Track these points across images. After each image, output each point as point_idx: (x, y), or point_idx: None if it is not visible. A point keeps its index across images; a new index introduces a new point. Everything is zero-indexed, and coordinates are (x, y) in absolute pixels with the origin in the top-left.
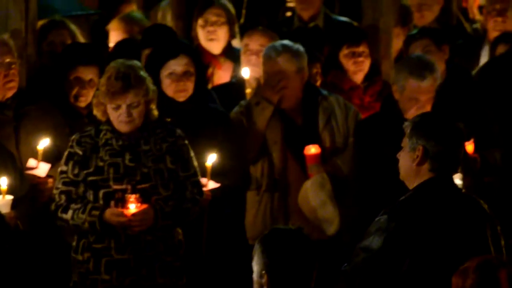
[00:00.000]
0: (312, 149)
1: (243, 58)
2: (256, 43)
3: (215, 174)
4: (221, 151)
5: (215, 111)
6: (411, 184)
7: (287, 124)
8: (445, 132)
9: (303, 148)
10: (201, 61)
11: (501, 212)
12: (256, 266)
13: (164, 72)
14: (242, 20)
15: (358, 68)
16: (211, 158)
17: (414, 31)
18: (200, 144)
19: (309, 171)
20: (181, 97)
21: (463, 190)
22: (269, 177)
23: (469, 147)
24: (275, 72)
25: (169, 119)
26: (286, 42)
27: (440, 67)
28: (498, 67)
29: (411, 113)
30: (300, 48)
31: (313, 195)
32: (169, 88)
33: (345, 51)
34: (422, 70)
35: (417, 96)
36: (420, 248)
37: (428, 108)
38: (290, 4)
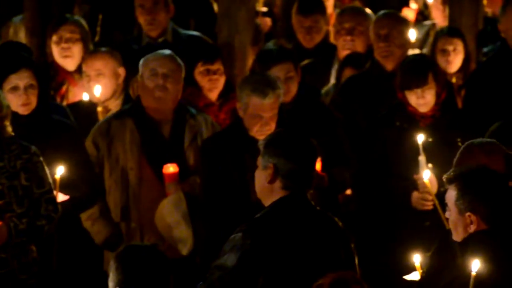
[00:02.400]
0: (171, 168)
1: (84, 82)
2: (91, 68)
3: (64, 186)
4: (69, 163)
5: (59, 122)
6: (266, 202)
7: (153, 139)
8: (296, 150)
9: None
10: (43, 73)
11: (355, 228)
12: (111, 283)
13: (7, 87)
14: (97, 38)
15: (213, 86)
16: (59, 171)
17: (272, 51)
18: (46, 156)
19: (167, 189)
20: (25, 111)
21: (318, 208)
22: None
23: (317, 165)
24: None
25: (13, 133)
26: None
27: (294, 88)
28: (355, 87)
29: (255, 130)
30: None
31: (168, 214)
32: (12, 102)
33: (200, 68)
34: (264, 87)
35: (260, 113)
36: (275, 265)
37: (272, 125)
38: None
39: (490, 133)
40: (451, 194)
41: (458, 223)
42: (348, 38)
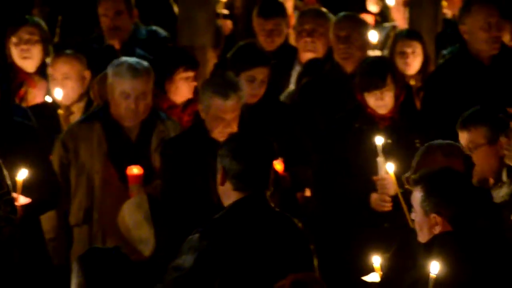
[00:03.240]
0: (134, 170)
1: (51, 85)
2: (58, 72)
3: (25, 188)
4: (30, 165)
5: (21, 125)
6: (226, 204)
7: (119, 142)
8: (243, 151)
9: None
10: (5, 76)
11: (314, 229)
12: (73, 286)
13: None
14: (56, 39)
15: (191, 90)
16: (22, 173)
17: (255, 52)
18: (7, 158)
19: (130, 191)
20: None
21: (277, 209)
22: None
23: (278, 166)
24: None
25: None
26: (135, 60)
27: (263, 92)
28: (314, 89)
29: (217, 132)
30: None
31: (129, 215)
32: None
33: (182, 74)
34: (226, 89)
35: (222, 115)
36: (232, 267)
37: (234, 126)
38: None
39: (468, 114)
40: (417, 196)
41: (423, 224)
42: (309, 39)
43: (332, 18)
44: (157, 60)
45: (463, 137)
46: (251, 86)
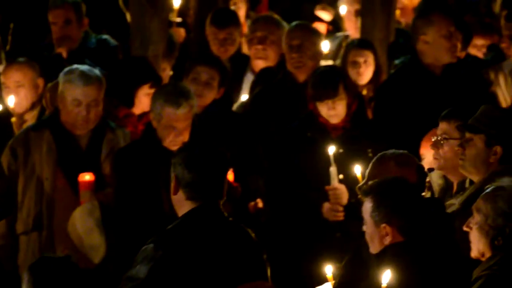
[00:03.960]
0: (86, 176)
1: (3, 93)
2: (10, 80)
3: None
4: None
5: None
6: (179, 213)
7: (69, 150)
8: (196, 160)
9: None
10: None
11: (267, 239)
12: None
13: None
14: (8, 47)
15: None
16: None
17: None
18: None
19: (81, 197)
20: None
21: (230, 219)
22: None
23: (229, 176)
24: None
25: None
26: (86, 67)
27: (210, 97)
28: (267, 98)
29: (169, 140)
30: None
31: (80, 222)
32: None
33: (147, 90)
34: (177, 98)
35: (173, 124)
36: (186, 276)
37: (185, 135)
38: None
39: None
40: (367, 206)
41: (374, 235)
42: (260, 47)
43: (285, 26)
44: (123, 71)
45: (441, 128)
46: (195, 86)
